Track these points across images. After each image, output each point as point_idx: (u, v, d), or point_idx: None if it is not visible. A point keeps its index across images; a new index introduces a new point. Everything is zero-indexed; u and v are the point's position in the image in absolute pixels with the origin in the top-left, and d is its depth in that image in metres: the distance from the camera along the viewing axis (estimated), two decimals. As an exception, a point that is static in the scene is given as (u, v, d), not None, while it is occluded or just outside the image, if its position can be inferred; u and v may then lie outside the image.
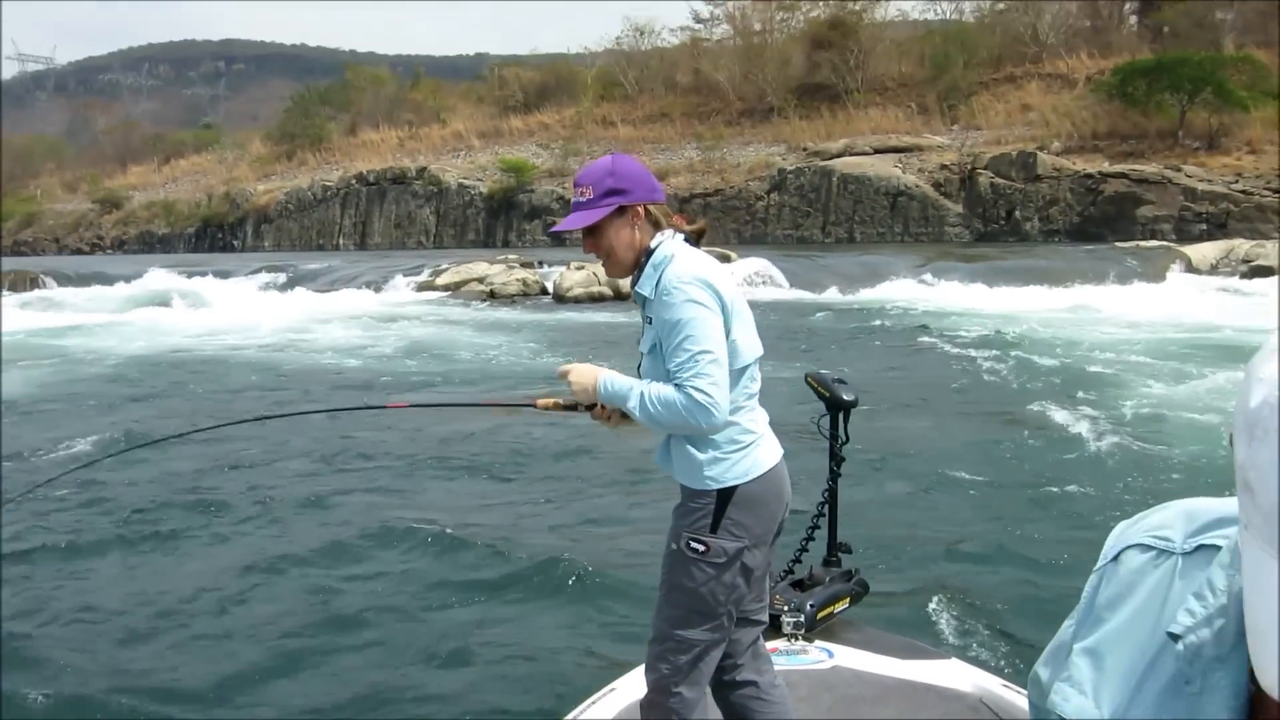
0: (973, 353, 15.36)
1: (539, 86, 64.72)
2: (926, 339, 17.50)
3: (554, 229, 3.24)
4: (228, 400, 13.21)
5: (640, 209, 2.83)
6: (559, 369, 2.95)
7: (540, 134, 58.20)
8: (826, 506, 4.32)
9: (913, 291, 25.65)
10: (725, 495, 2.75)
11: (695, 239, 2.93)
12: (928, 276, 27.08)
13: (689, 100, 56.78)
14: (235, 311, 26.20)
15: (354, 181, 57.96)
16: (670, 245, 2.83)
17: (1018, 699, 3.56)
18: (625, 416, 2.85)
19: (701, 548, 2.76)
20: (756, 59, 55.05)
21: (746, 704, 2.95)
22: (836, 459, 4.19)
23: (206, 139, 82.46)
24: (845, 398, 4.05)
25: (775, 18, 57.81)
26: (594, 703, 3.54)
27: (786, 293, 27.68)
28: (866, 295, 25.89)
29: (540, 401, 3.05)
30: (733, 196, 46.85)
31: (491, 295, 29.13)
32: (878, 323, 20.44)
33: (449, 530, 7.22)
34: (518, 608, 6.00)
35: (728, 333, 2.73)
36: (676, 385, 2.65)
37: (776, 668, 3.11)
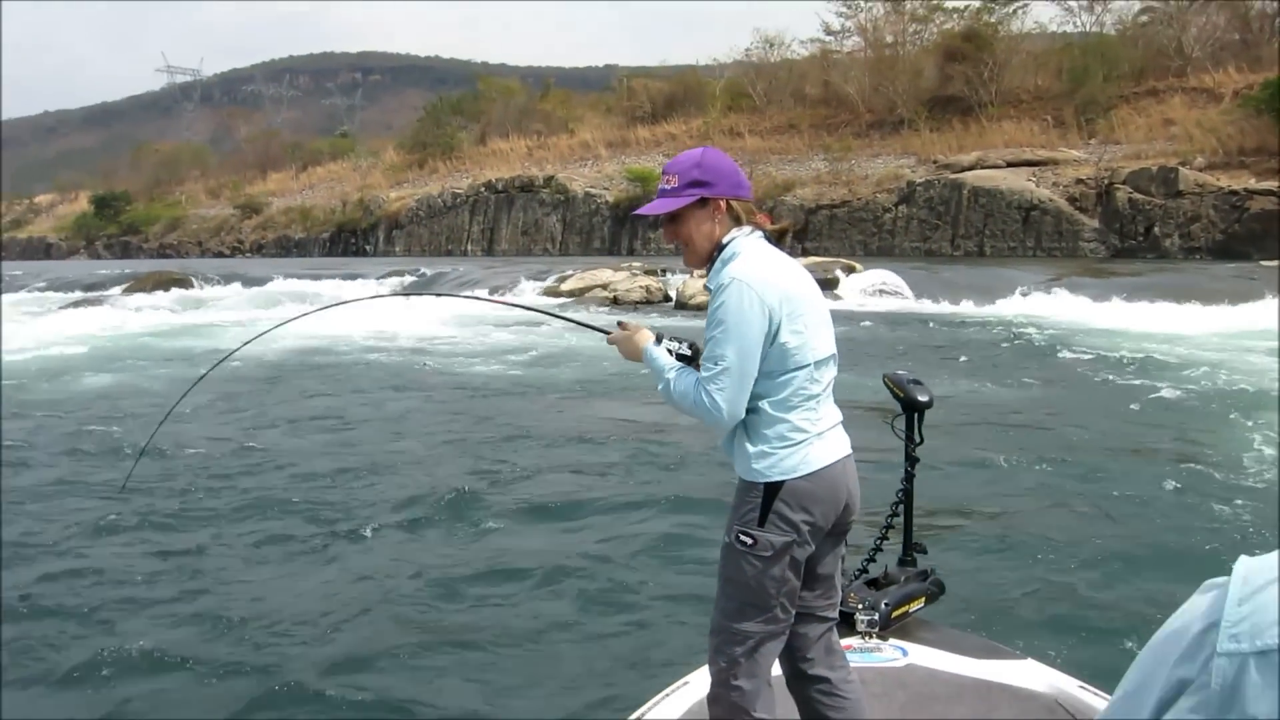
0: (1099, 368, 14.87)
1: (666, 97, 64.95)
2: (1051, 353, 16.97)
3: (635, 212, 3.26)
4: (337, 381, 13.54)
5: (722, 203, 2.86)
6: (608, 339, 3.09)
7: (667, 144, 58.34)
8: (902, 506, 4.30)
9: (1043, 306, 24.85)
10: (773, 489, 2.77)
11: (778, 238, 2.95)
12: (1060, 291, 26.23)
13: (817, 112, 56.36)
14: (364, 313, 26.78)
15: (483, 189, 58.91)
16: (742, 243, 2.85)
17: (1094, 700, 3.48)
18: None
19: (750, 541, 2.78)
20: (887, 71, 54.38)
21: (820, 700, 2.94)
22: (911, 459, 4.19)
23: (342, 147, 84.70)
24: (920, 399, 4.08)
25: (908, 29, 57.03)
26: (667, 696, 3.55)
27: (911, 304, 27.26)
28: (993, 309, 25.27)
29: (612, 336, 3.13)
30: (860, 208, 46.35)
31: (614, 301, 29.27)
32: (1001, 336, 19.92)
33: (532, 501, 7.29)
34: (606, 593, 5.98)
35: (774, 337, 2.75)
36: (697, 380, 2.76)
37: (850, 665, 3.08)
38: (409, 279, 35.72)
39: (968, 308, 25.77)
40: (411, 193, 64.21)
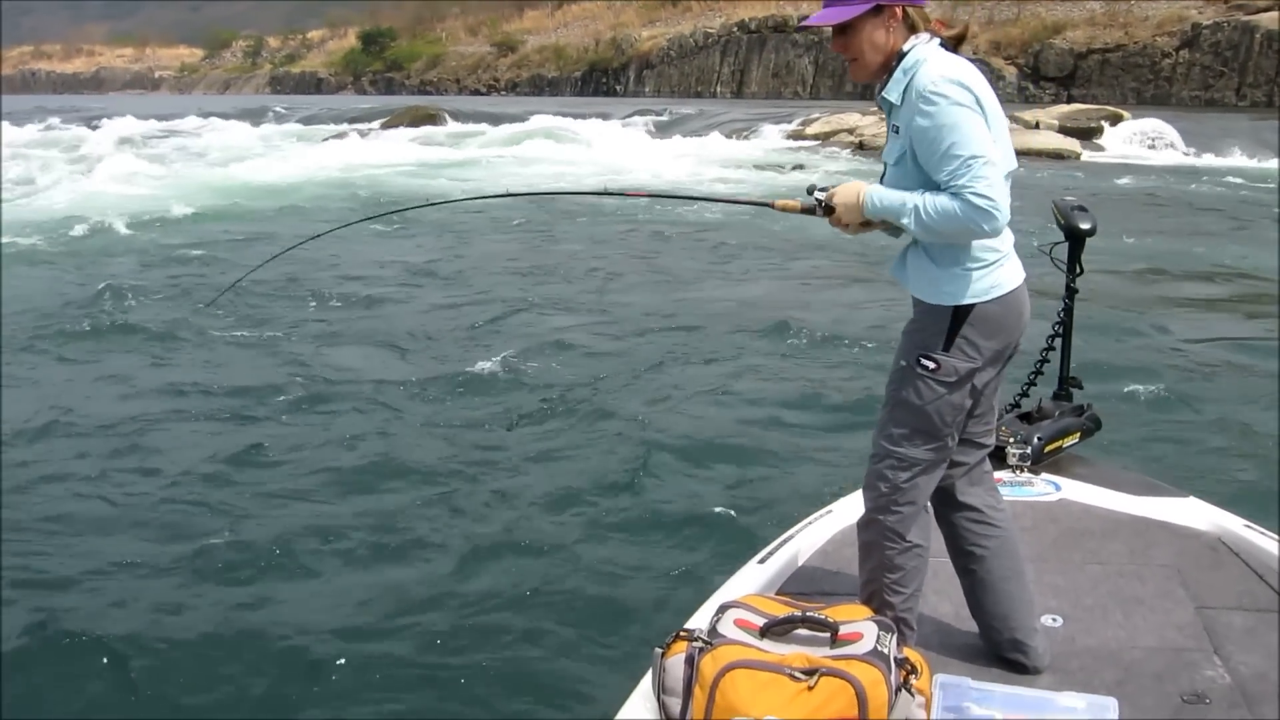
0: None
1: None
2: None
3: (802, 23, 2.95)
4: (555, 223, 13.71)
5: (898, 10, 2.61)
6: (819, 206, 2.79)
7: (930, -17, 55.65)
8: (1060, 341, 4.09)
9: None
10: (962, 313, 2.60)
11: (954, 44, 2.69)
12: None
13: (1099, -55, 52.42)
14: (608, 152, 27.05)
15: (735, 29, 57.91)
16: (924, 49, 2.61)
17: (1260, 539, 3.25)
18: (867, 224, 2.73)
19: (932, 365, 2.62)
20: (1179, -101, 49.86)
21: (970, 528, 2.81)
22: (1070, 291, 3.98)
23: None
24: (1082, 226, 3.88)
25: None
26: (810, 523, 3.46)
27: (1181, 157, 25.41)
28: (1273, 165, 23.17)
29: (779, 203, 2.94)
30: (1136, 53, 43.21)
31: (860, 146, 28.48)
32: (1269, 195, 18.26)
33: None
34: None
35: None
36: (953, 193, 2.49)
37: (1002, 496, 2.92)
38: (654, 119, 35.67)
39: (1249, 161, 23.77)
40: (663, 31, 63.79)
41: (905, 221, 2.59)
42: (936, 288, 2.64)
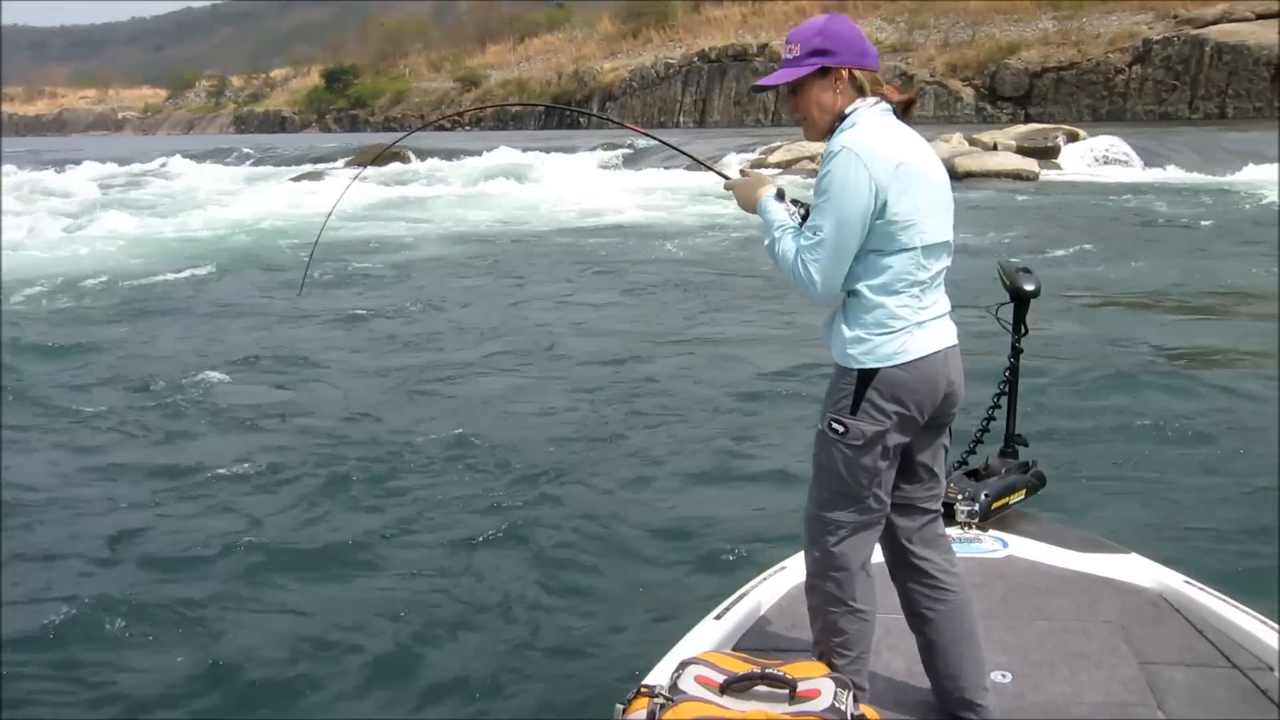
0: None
1: (890, -44, 62.40)
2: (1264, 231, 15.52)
3: (756, 83, 3.10)
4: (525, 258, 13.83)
5: (845, 72, 2.71)
6: (725, 183, 2.99)
7: (887, 7, 56.30)
8: (1005, 398, 4.17)
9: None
10: (866, 376, 2.68)
11: (903, 109, 2.78)
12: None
13: (1049, -34, 53.17)
14: (572, 186, 27.07)
15: (696, 59, 58.35)
16: (863, 114, 2.69)
17: (1200, 596, 3.36)
18: None
19: (841, 428, 2.70)
20: (1127, -83, 50.69)
21: (922, 591, 2.87)
22: (1015, 350, 4.06)
23: (559, 18, 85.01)
24: (1026, 287, 3.93)
25: None
26: (765, 579, 3.55)
27: (1138, 173, 25.79)
28: (1230, 178, 23.60)
29: (731, 180, 3.02)
30: (1089, 70, 43.83)
31: (822, 173, 28.70)
32: (1227, 209, 18.57)
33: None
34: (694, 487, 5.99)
35: (880, 213, 2.60)
36: (798, 248, 2.68)
37: (955, 557, 3.00)
38: (619, 151, 35.83)
39: (1203, 176, 24.15)
40: (625, 63, 64.15)
41: (766, 241, 2.79)
42: (844, 350, 2.70)
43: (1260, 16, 40.25)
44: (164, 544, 5.22)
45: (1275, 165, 23.45)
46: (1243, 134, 28.88)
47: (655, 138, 3.79)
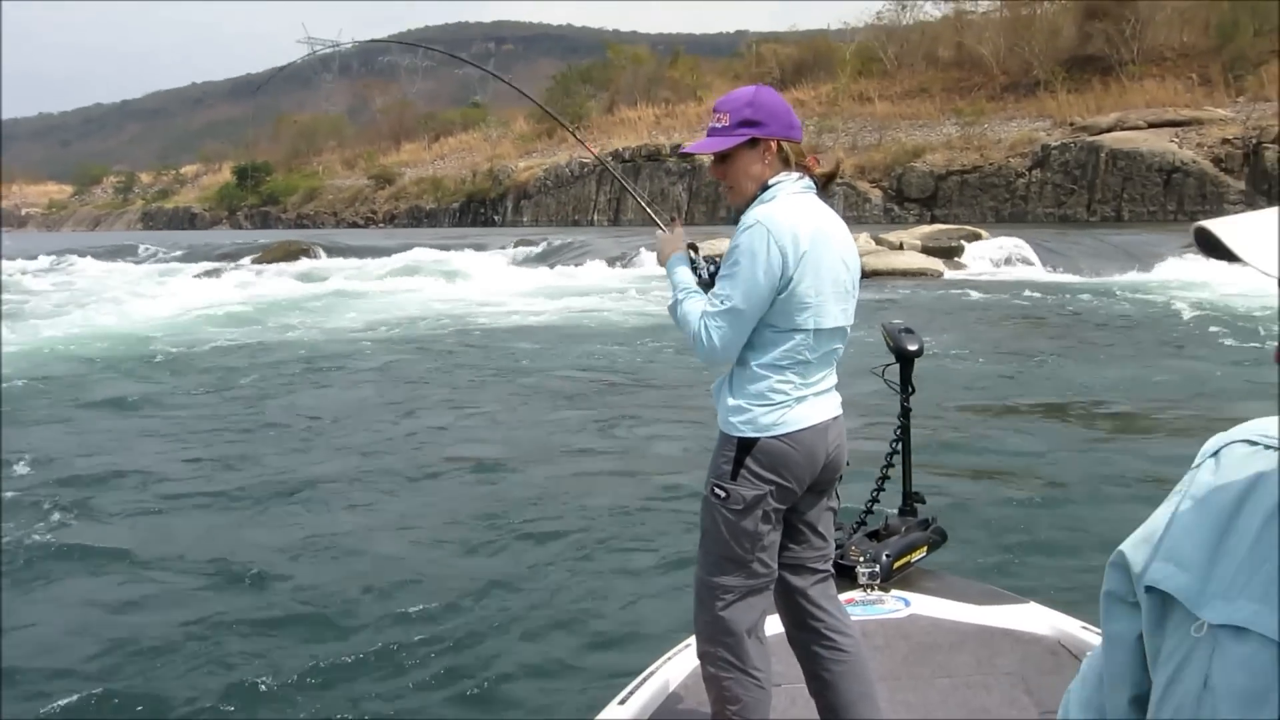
0: (1232, 338, 14.15)
1: (796, 63, 64.28)
2: (1184, 326, 16.24)
3: (683, 149, 3.20)
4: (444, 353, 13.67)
5: (773, 144, 2.78)
6: (658, 233, 3.13)
7: (795, 110, 57.43)
8: (898, 457, 4.29)
9: (1182, 273, 23.52)
10: (746, 445, 2.73)
11: (825, 182, 2.87)
12: (1195, 257, 24.91)
13: (950, 75, 55.19)
14: (484, 283, 27.07)
15: (610, 159, 59.06)
16: (785, 187, 2.76)
17: (1096, 640, 3.36)
18: None
19: (722, 494, 2.76)
20: (1024, 31, 52.92)
21: (817, 652, 2.90)
22: (905, 410, 4.20)
23: (474, 117, 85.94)
24: (910, 348, 4.09)
25: (1046, -14, 55.30)
26: (670, 659, 3.53)
27: (1040, 274, 26.46)
28: (1130, 278, 24.31)
29: (662, 235, 3.13)
30: (991, 174, 45.24)
31: (735, 271, 29.05)
32: (1131, 308, 19.13)
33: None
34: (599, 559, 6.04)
35: (785, 287, 2.66)
36: (702, 310, 2.75)
37: (852, 619, 3.04)
38: (536, 249, 35.97)
39: (1103, 278, 24.83)
40: (540, 162, 64.89)
41: (669, 301, 2.88)
42: (726, 418, 2.78)
43: (1151, 125, 42.03)
44: None
45: (1167, 264, 24.57)
46: (1136, 236, 29.80)
47: (624, 184, 3.92)
